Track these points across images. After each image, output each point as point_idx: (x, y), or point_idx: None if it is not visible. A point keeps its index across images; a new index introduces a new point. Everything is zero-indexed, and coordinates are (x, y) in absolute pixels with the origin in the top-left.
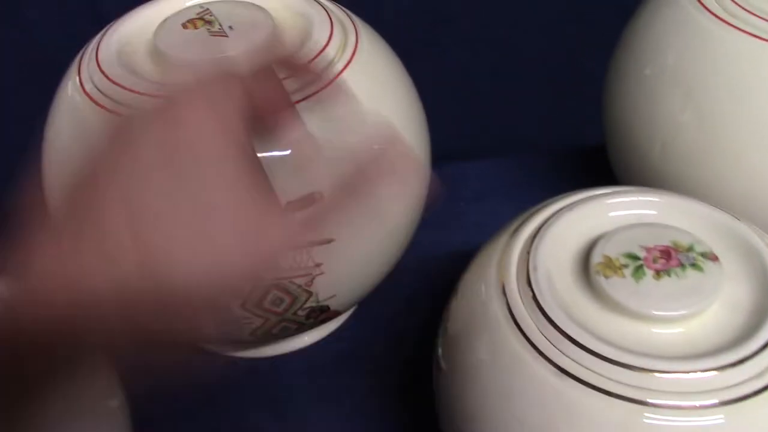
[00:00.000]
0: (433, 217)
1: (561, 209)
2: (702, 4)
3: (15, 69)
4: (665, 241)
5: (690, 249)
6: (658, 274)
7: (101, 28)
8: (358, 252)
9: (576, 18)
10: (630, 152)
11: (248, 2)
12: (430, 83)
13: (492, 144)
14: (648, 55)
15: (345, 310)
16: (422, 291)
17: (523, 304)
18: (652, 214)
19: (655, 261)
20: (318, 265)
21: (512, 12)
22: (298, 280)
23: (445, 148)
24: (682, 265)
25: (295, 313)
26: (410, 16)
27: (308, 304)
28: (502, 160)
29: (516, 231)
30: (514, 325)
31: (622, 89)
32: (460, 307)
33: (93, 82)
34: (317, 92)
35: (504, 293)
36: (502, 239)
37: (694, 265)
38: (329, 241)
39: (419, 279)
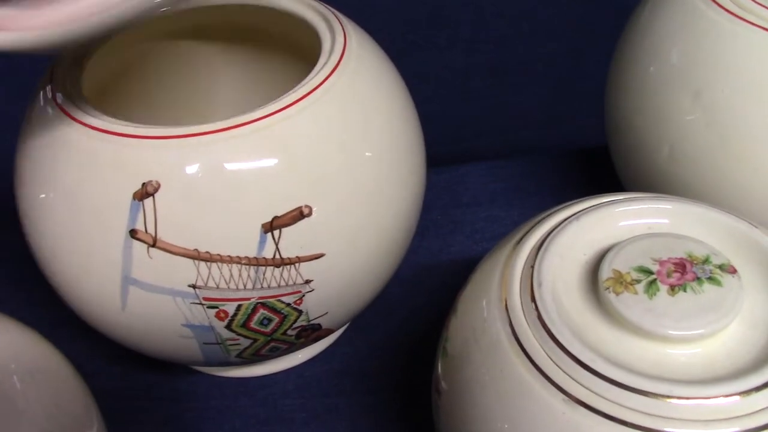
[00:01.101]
0: (430, 225)
1: (567, 218)
2: None
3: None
4: (679, 253)
5: (706, 261)
6: (672, 289)
7: None
8: (351, 266)
9: (576, 15)
10: (635, 155)
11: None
12: (426, 85)
13: (490, 147)
14: (652, 51)
15: (338, 328)
16: (420, 304)
17: (528, 323)
18: (665, 223)
19: (669, 275)
20: (308, 282)
21: (509, 10)
22: (287, 299)
23: (442, 152)
24: (698, 279)
25: (284, 333)
26: (404, 17)
27: (298, 323)
28: (500, 164)
29: (519, 243)
30: (518, 347)
31: (626, 88)
32: (460, 325)
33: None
34: (305, 97)
35: (507, 311)
36: (504, 252)
37: (711, 279)
38: (319, 256)
39: (416, 291)
